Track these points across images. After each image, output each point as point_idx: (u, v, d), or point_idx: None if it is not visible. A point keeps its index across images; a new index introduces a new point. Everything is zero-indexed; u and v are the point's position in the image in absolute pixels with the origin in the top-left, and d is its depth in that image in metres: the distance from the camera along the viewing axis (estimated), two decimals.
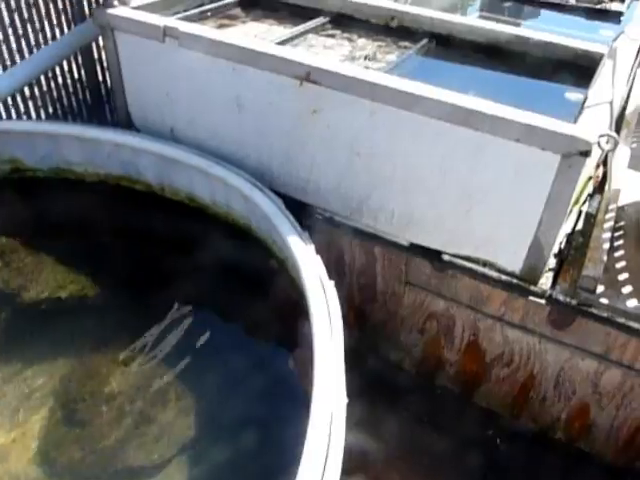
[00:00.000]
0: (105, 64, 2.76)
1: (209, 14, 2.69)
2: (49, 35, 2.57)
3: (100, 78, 2.77)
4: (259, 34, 2.55)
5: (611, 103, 1.80)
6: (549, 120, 1.66)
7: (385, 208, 2.05)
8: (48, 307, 2.23)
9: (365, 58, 2.32)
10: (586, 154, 1.62)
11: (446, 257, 2.02)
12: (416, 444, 2.19)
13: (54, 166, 2.46)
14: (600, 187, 2.40)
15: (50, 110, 2.71)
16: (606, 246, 1.98)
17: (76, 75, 2.75)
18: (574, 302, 1.88)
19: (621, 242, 2.10)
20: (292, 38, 2.47)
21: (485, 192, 1.83)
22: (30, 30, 2.49)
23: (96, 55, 2.72)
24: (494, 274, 1.97)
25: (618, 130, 2.74)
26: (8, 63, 2.45)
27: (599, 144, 1.69)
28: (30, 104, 2.63)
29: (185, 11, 2.62)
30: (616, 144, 1.68)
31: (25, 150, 2.41)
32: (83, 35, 2.57)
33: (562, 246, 2.05)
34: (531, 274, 1.91)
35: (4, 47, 2.42)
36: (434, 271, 2.06)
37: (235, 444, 1.77)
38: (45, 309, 2.23)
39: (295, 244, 1.83)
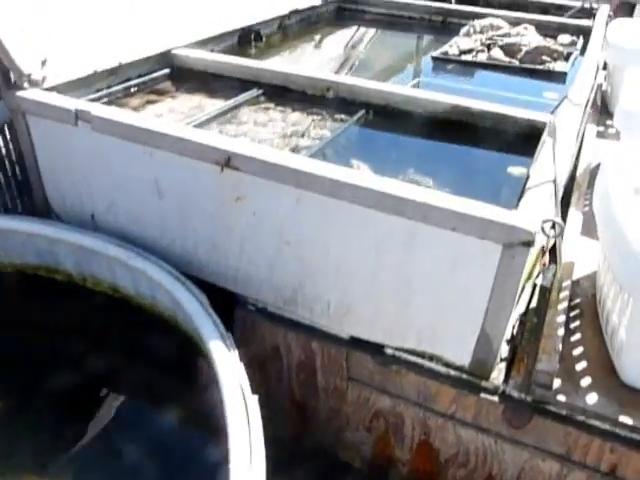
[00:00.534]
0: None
1: (135, 89, 2.55)
2: None
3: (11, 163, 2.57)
4: (188, 110, 2.41)
5: (554, 180, 1.68)
6: (486, 207, 1.52)
7: (320, 299, 1.87)
8: None
9: (298, 135, 2.19)
10: (529, 244, 1.47)
11: (389, 351, 1.84)
12: None
13: None
14: (553, 256, 2.28)
15: None
16: (561, 332, 1.82)
17: None
18: (529, 399, 1.70)
19: (577, 323, 1.95)
20: (222, 113, 2.33)
21: (424, 282, 1.67)
22: None
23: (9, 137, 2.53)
24: (442, 369, 1.79)
25: (569, 194, 2.65)
26: None
27: (543, 230, 1.55)
28: None
29: (109, 87, 2.47)
30: (562, 230, 1.54)
31: None
32: None
33: (515, 331, 1.89)
34: (481, 368, 1.73)
35: None
36: (377, 366, 1.87)
37: None
38: None
39: (216, 351, 1.63)
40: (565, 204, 2.64)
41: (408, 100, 2.30)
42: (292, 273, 1.88)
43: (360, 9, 4.19)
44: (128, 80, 2.57)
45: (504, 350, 1.81)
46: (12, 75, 2.09)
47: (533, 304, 2.05)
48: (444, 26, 3.93)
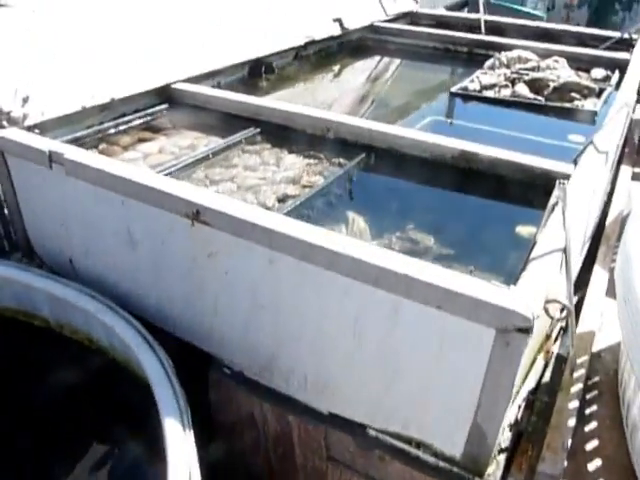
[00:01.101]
0: None
1: (129, 126, 2.43)
2: None
3: None
4: (179, 150, 2.27)
5: (565, 249, 1.44)
6: (477, 283, 1.30)
7: (296, 370, 1.67)
8: None
9: (288, 181, 2.02)
10: (526, 331, 1.24)
11: (372, 432, 1.62)
12: None
13: None
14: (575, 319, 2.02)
15: None
16: (572, 422, 1.57)
17: None
18: None
19: (594, 408, 1.69)
20: (213, 155, 2.19)
21: (408, 362, 1.45)
22: None
23: None
24: (430, 459, 1.56)
25: (596, 246, 2.39)
26: None
27: (547, 312, 1.32)
28: None
29: (100, 124, 2.37)
30: (569, 313, 1.31)
31: None
32: None
33: (520, 414, 1.64)
34: (474, 462, 1.49)
35: None
36: (358, 448, 1.65)
37: None
38: None
39: (170, 428, 1.46)
40: (591, 258, 2.38)
41: (413, 144, 2.10)
42: (267, 339, 1.69)
43: (383, 39, 4.02)
44: (123, 115, 2.47)
45: (505, 438, 1.56)
46: None
47: (547, 376, 1.81)
48: (470, 57, 3.72)
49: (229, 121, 2.48)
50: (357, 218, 1.92)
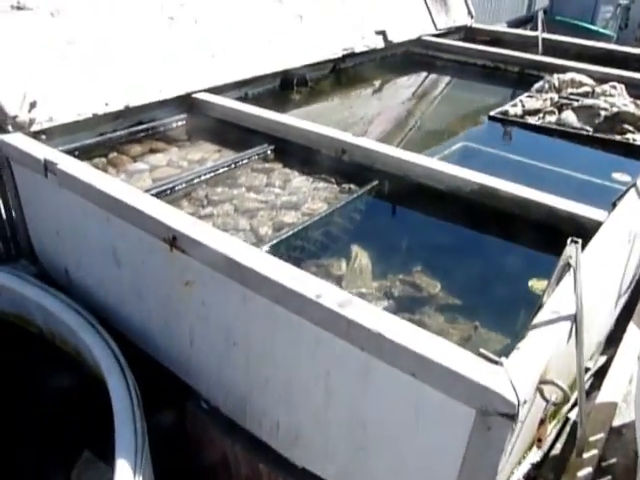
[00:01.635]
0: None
1: (142, 135, 2.37)
2: None
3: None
4: (187, 164, 2.19)
5: (576, 317, 1.23)
6: (457, 352, 1.12)
7: (268, 414, 1.53)
8: None
9: (290, 207, 1.88)
10: (511, 417, 1.05)
11: None
12: None
13: None
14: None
15: None
16: None
17: None
18: None
19: None
20: (221, 171, 2.08)
21: (380, 430, 1.29)
22: None
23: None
24: None
25: (634, 302, 2.12)
26: None
27: (542, 394, 1.13)
28: None
29: (113, 132, 2.32)
30: (566, 398, 1.11)
31: None
32: None
33: None
34: None
35: None
36: None
37: None
38: None
39: (121, 469, 1.35)
40: (628, 313, 2.12)
41: (428, 173, 1.93)
42: (240, 377, 1.56)
43: (430, 54, 3.83)
44: (139, 123, 2.41)
45: None
46: None
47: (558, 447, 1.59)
48: (520, 78, 3.47)
49: (245, 135, 2.37)
50: (361, 253, 1.77)
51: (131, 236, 1.64)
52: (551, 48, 3.94)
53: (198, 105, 2.52)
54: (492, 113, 2.72)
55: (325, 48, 3.18)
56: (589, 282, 1.31)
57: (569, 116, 2.65)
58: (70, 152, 2.12)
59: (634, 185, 1.88)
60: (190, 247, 1.47)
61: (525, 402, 1.06)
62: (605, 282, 1.63)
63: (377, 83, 3.48)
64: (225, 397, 1.65)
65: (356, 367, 1.25)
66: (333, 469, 1.45)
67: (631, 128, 2.53)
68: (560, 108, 2.76)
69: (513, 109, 2.72)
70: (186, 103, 2.52)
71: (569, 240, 1.19)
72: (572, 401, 1.62)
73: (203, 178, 2.04)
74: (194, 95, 2.52)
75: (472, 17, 4.27)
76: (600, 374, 1.83)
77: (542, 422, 1.23)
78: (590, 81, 3.07)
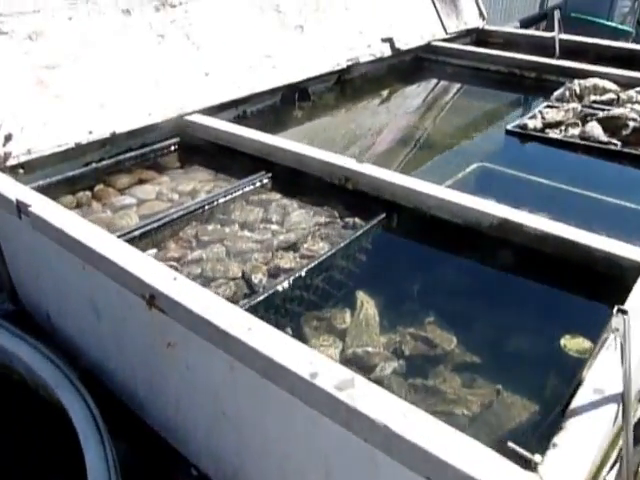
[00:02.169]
0: None
1: (131, 163, 2.20)
2: None
3: None
4: (178, 197, 2.01)
5: (623, 396, 1.03)
6: (483, 453, 0.92)
7: None
8: None
9: (287, 247, 1.70)
10: None
11: None
12: None
13: None
14: None
15: None
16: None
17: None
18: None
19: None
20: (213, 205, 1.91)
21: None
22: None
23: None
24: None
25: None
26: None
27: None
28: None
29: (100, 161, 2.15)
30: None
31: None
32: None
33: None
34: None
35: None
36: None
37: None
38: None
39: None
40: None
41: (442, 205, 1.73)
42: (231, 448, 1.38)
43: (440, 61, 3.61)
44: (129, 150, 2.24)
45: None
46: None
47: None
48: (538, 84, 3.24)
49: (241, 161, 2.19)
50: (367, 302, 1.57)
51: (109, 289, 1.47)
52: (569, 49, 3.71)
53: (191, 128, 2.34)
54: (509, 127, 2.51)
55: (328, 59, 2.99)
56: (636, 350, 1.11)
57: (594, 128, 2.43)
58: (50, 187, 1.96)
59: None
60: (169, 308, 1.29)
61: None
62: None
63: (384, 94, 3.29)
64: (216, 466, 1.47)
65: (359, 457, 1.07)
66: None
67: None
68: (584, 119, 2.54)
69: (532, 122, 2.50)
70: (178, 126, 2.35)
71: (615, 309, 0.99)
72: None
73: (193, 214, 1.86)
74: (186, 117, 2.35)
75: (484, 19, 4.05)
76: None
77: None
78: (614, 86, 2.85)
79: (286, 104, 2.87)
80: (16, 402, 1.97)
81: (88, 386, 1.66)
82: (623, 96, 2.78)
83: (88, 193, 2.05)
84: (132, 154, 2.22)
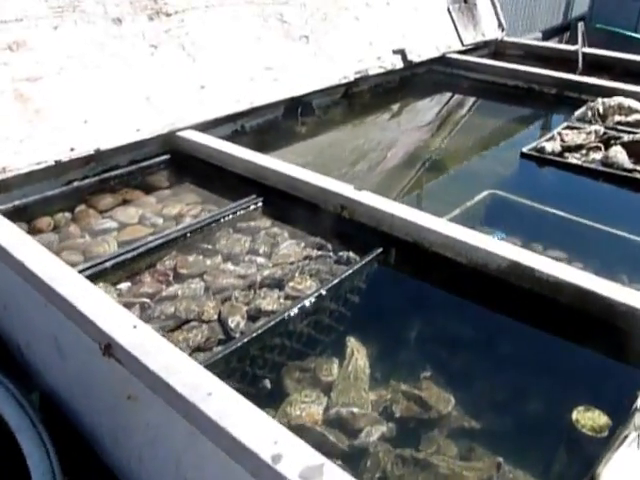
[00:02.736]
0: None
1: (118, 182, 2.07)
2: None
3: None
4: (162, 222, 1.87)
5: None
6: None
7: None
8: None
9: (272, 284, 1.54)
10: None
11: None
12: None
13: None
14: None
15: None
16: None
17: None
18: None
19: None
20: (196, 232, 1.76)
21: None
22: None
23: None
24: None
25: None
26: None
27: None
28: None
29: (84, 179, 2.03)
30: None
31: None
32: None
33: None
34: None
35: None
36: None
37: None
38: None
39: None
40: None
41: (446, 243, 1.56)
42: None
43: (455, 74, 3.44)
44: (115, 168, 2.11)
45: None
46: None
47: None
48: (558, 101, 3.05)
49: (233, 183, 2.05)
50: (358, 350, 1.41)
51: (70, 330, 1.33)
52: (593, 64, 3.52)
53: (182, 145, 2.20)
54: (525, 150, 2.33)
55: (335, 72, 2.83)
56: None
57: (618, 153, 2.24)
58: (26, 208, 1.85)
59: None
60: (126, 360, 1.15)
61: None
62: None
63: (394, 109, 3.12)
64: None
65: None
66: None
67: None
68: (607, 143, 2.35)
69: (550, 144, 2.32)
70: (169, 143, 2.21)
71: (638, 402, 0.81)
72: None
73: (175, 242, 1.71)
74: (178, 133, 2.21)
75: (503, 30, 3.86)
76: None
77: None
78: None
79: (288, 119, 2.73)
80: None
81: (54, 426, 1.53)
82: None
83: (67, 215, 1.92)
84: (118, 172, 2.09)
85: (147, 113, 2.15)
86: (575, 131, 2.44)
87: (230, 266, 1.62)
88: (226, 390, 1.04)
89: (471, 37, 3.63)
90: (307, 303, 1.44)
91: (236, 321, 1.39)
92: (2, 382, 1.62)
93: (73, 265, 1.62)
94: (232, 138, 2.47)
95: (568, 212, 1.90)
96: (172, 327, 1.41)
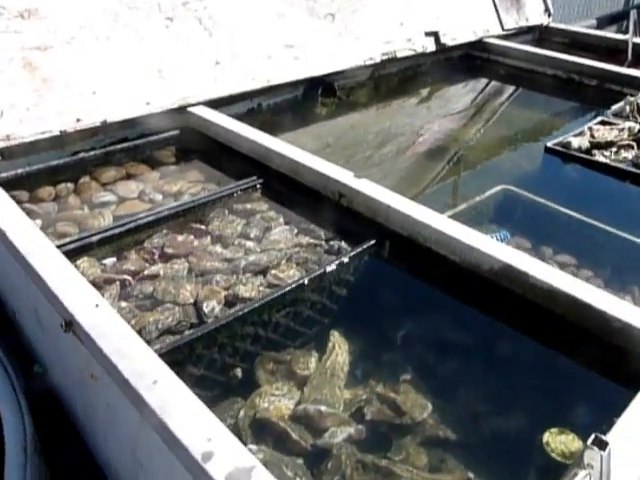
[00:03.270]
0: None
1: (124, 155, 2.05)
2: None
3: None
4: (162, 198, 1.85)
5: None
6: None
7: None
8: None
9: (256, 271, 1.50)
10: None
11: None
12: None
13: None
14: None
15: None
16: None
17: None
18: None
19: None
20: (192, 210, 1.73)
21: None
22: None
23: None
24: None
25: None
26: None
27: None
28: None
29: (90, 150, 2.02)
30: None
31: None
32: None
33: None
34: None
35: None
36: None
37: None
38: None
39: None
40: None
41: (440, 239, 1.47)
42: None
43: (492, 60, 3.27)
44: (123, 141, 2.10)
45: None
46: None
47: None
48: (598, 94, 2.86)
49: (237, 162, 2.00)
50: (339, 346, 1.36)
51: (44, 304, 1.33)
52: None
53: (192, 122, 2.17)
54: (550, 144, 2.18)
55: (360, 52, 2.73)
56: None
57: None
58: (29, 176, 1.86)
59: None
60: (85, 339, 1.13)
61: None
62: None
63: (423, 94, 3.00)
64: None
65: None
66: None
67: None
68: None
69: (577, 140, 2.17)
70: (179, 119, 2.18)
71: (591, 438, 0.73)
72: None
73: (168, 219, 1.69)
74: (189, 109, 2.18)
75: (550, 15, 3.64)
76: None
77: None
78: None
79: (308, 99, 2.65)
80: None
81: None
82: None
83: (70, 185, 1.92)
84: (125, 145, 2.07)
85: (158, 87, 2.12)
86: (608, 127, 2.27)
87: (218, 248, 1.59)
88: (172, 379, 1.00)
89: (513, 21, 3.44)
90: (287, 292, 1.39)
91: (211, 306, 1.36)
92: None
93: (65, 236, 1.64)
94: (247, 116, 2.43)
95: (585, 214, 1.78)
96: (148, 307, 1.39)
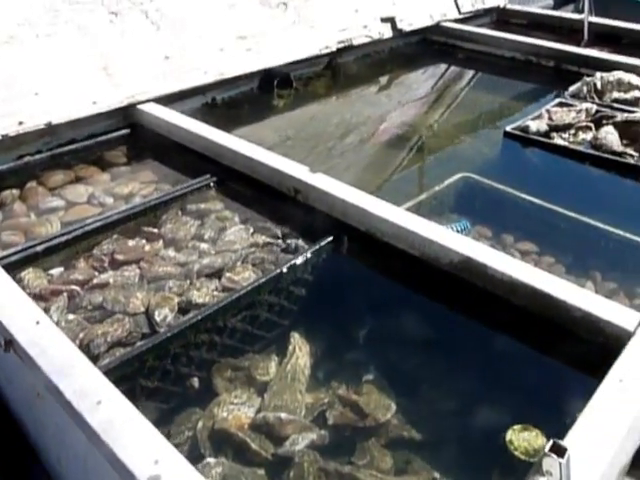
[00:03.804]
0: None
1: (71, 157, 1.97)
2: None
3: None
4: (112, 202, 1.78)
5: None
6: None
7: None
8: None
9: (210, 274, 1.44)
10: None
11: None
12: None
13: None
14: None
15: None
16: None
17: None
18: None
19: None
20: (142, 214, 1.66)
21: None
22: None
23: None
24: None
25: None
26: None
27: None
28: None
29: (37, 153, 1.93)
30: None
31: None
32: None
33: None
34: None
35: None
36: None
37: None
38: None
39: None
40: None
41: (398, 233, 1.44)
42: None
43: (451, 43, 3.24)
44: (71, 143, 2.01)
45: None
46: None
47: None
48: (556, 75, 2.86)
49: (192, 161, 1.94)
50: (300, 348, 1.32)
51: None
52: (600, 35, 3.30)
53: (142, 119, 2.09)
54: (508, 128, 2.17)
55: (316, 41, 2.67)
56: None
57: (609, 134, 2.07)
58: None
59: None
60: (25, 358, 1.07)
61: None
62: None
63: (382, 82, 2.96)
64: None
65: None
66: None
67: None
68: (599, 122, 2.18)
69: (535, 123, 2.15)
70: (129, 117, 2.10)
71: (549, 445, 0.70)
72: None
73: (118, 224, 1.62)
74: (139, 107, 2.10)
75: None
76: None
77: None
78: None
79: (265, 91, 2.59)
80: None
81: None
82: None
83: (15, 192, 1.83)
84: (73, 147, 1.99)
85: (104, 85, 2.03)
86: (565, 109, 2.27)
87: (171, 252, 1.53)
88: (118, 398, 0.95)
89: (470, 4, 3.42)
90: (242, 296, 1.34)
91: (163, 314, 1.30)
92: None
93: (11, 246, 1.56)
94: (202, 112, 2.36)
95: (546, 199, 1.76)
96: (98, 319, 1.33)
